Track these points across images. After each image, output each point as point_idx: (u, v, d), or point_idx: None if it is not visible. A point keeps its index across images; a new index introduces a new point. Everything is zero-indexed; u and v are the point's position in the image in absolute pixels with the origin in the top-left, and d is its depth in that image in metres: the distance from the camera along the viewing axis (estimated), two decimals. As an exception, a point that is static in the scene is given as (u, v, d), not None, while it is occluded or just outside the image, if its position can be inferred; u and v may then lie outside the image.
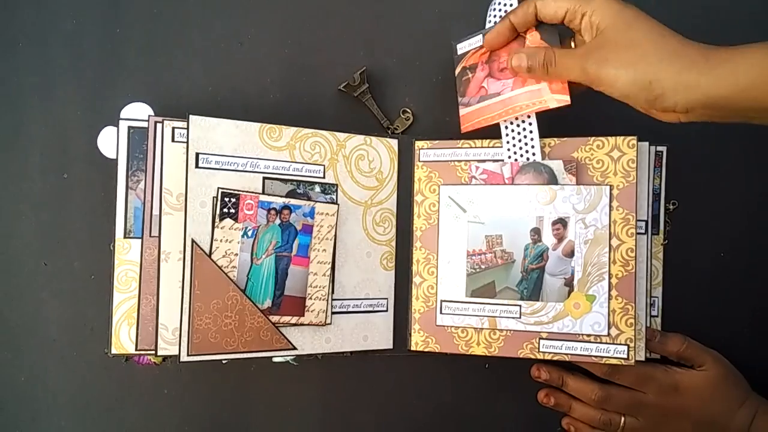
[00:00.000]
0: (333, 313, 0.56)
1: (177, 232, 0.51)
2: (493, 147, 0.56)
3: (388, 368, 0.61)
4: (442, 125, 0.60)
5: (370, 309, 0.58)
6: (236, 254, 0.52)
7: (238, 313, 0.52)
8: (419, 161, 0.58)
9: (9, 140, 0.58)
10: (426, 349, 0.57)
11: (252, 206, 0.53)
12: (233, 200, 0.52)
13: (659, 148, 0.58)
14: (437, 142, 0.58)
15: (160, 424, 0.59)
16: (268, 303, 0.53)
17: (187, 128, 0.51)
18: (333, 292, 0.56)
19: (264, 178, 0.54)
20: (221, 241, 0.52)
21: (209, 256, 0.51)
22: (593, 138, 0.54)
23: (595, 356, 0.53)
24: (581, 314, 0.54)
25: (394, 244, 0.59)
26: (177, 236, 0.51)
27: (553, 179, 0.55)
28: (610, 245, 0.53)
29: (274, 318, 0.53)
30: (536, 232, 0.55)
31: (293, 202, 0.54)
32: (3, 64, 0.58)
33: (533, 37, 0.53)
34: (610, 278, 0.53)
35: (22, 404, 0.58)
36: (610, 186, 0.54)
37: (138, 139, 0.54)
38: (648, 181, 0.55)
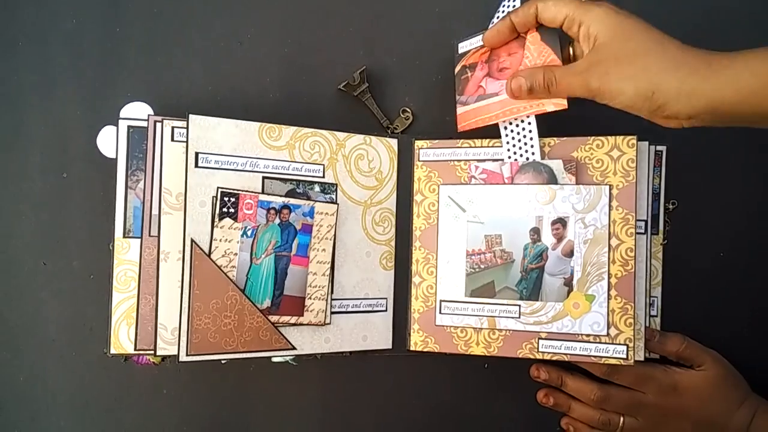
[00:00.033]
0: (332, 312, 0.56)
1: (176, 231, 0.51)
2: (492, 147, 0.56)
3: (387, 368, 0.61)
4: (441, 125, 0.60)
5: (370, 309, 0.58)
6: (235, 254, 0.52)
7: (237, 313, 0.52)
8: (419, 161, 0.58)
9: (9, 140, 0.58)
10: (425, 349, 0.57)
11: (251, 206, 0.53)
12: (233, 200, 0.52)
13: (659, 148, 0.58)
14: (437, 141, 0.58)
15: (159, 424, 0.59)
16: (267, 303, 0.53)
17: (187, 128, 0.51)
18: (332, 291, 0.56)
19: (263, 178, 0.54)
20: (220, 240, 0.52)
21: (208, 255, 0.51)
22: (593, 137, 0.54)
23: (595, 356, 0.53)
24: (580, 314, 0.54)
25: (393, 243, 0.59)
26: (176, 236, 0.51)
27: (552, 179, 0.55)
28: (609, 245, 0.53)
29: (274, 318, 0.53)
30: (536, 232, 0.55)
31: (293, 201, 0.54)
32: (3, 63, 0.58)
33: (533, 38, 0.53)
34: (609, 278, 0.53)
35: (21, 404, 0.58)
36: (610, 185, 0.54)
37: (137, 138, 0.54)
38: (647, 181, 0.55)
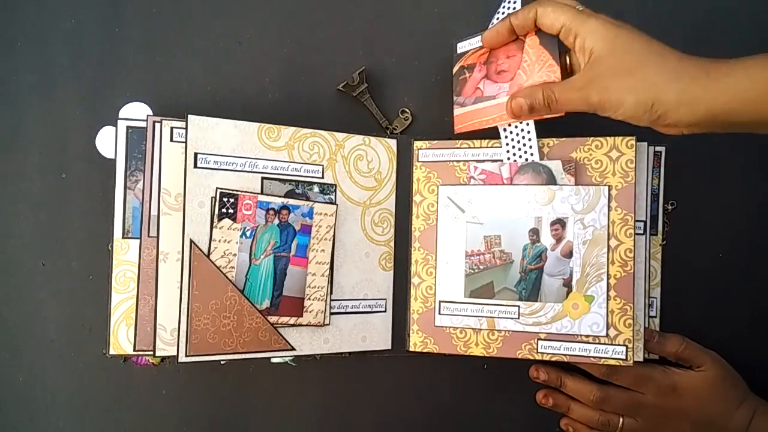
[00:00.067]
0: (331, 313, 0.56)
1: (175, 232, 0.51)
2: (491, 147, 0.56)
3: (386, 369, 0.61)
4: (440, 125, 0.60)
5: (369, 309, 0.57)
6: (235, 254, 0.52)
7: (236, 314, 0.52)
8: (418, 161, 0.58)
9: (8, 140, 0.58)
10: (424, 350, 0.57)
11: (250, 206, 0.53)
12: (232, 200, 0.52)
13: (658, 149, 0.58)
14: (436, 142, 0.58)
15: (159, 424, 0.59)
16: (266, 303, 0.53)
17: (186, 128, 0.51)
18: (331, 292, 0.56)
19: (262, 178, 0.54)
20: (220, 241, 0.52)
21: (207, 256, 0.51)
22: (592, 138, 0.54)
23: (594, 357, 0.53)
24: (580, 315, 0.54)
25: (392, 244, 0.59)
26: (175, 236, 0.51)
27: (551, 179, 0.55)
28: (608, 246, 0.53)
29: (273, 318, 0.53)
30: (535, 233, 0.55)
31: (292, 202, 0.54)
32: (2, 63, 0.58)
33: (532, 42, 0.53)
34: (608, 279, 0.53)
35: (20, 404, 0.58)
36: (609, 186, 0.53)
37: (136, 138, 0.54)
38: (647, 182, 0.55)
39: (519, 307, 0.55)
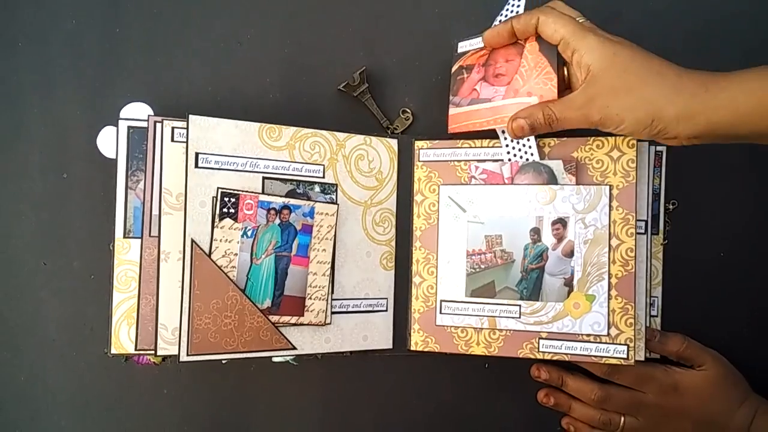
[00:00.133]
0: (333, 312, 0.56)
1: (176, 231, 0.51)
2: (492, 147, 0.56)
3: (387, 368, 0.61)
4: (441, 125, 0.60)
5: (370, 309, 0.58)
6: (236, 254, 0.52)
7: (237, 313, 0.52)
8: (419, 161, 0.58)
9: (9, 140, 0.58)
10: (426, 349, 0.57)
11: (252, 206, 0.53)
12: (233, 200, 0.52)
13: (659, 148, 0.57)
14: (437, 141, 0.58)
15: (160, 424, 0.59)
16: (267, 303, 0.53)
17: (187, 128, 0.51)
18: (333, 292, 0.56)
19: (263, 178, 0.54)
20: (221, 240, 0.52)
21: (209, 255, 0.51)
22: (593, 138, 0.54)
23: (595, 356, 0.53)
24: (581, 314, 0.54)
25: (393, 243, 0.59)
26: (176, 236, 0.51)
27: (552, 179, 0.55)
28: (609, 245, 0.53)
29: (274, 318, 0.53)
30: (536, 232, 0.55)
31: (293, 201, 0.54)
32: (3, 63, 0.58)
33: (532, 48, 0.53)
34: (609, 278, 0.53)
35: (21, 404, 0.58)
36: (610, 186, 0.54)
37: (137, 138, 0.54)
38: (648, 181, 0.55)
39: (520, 306, 0.55)
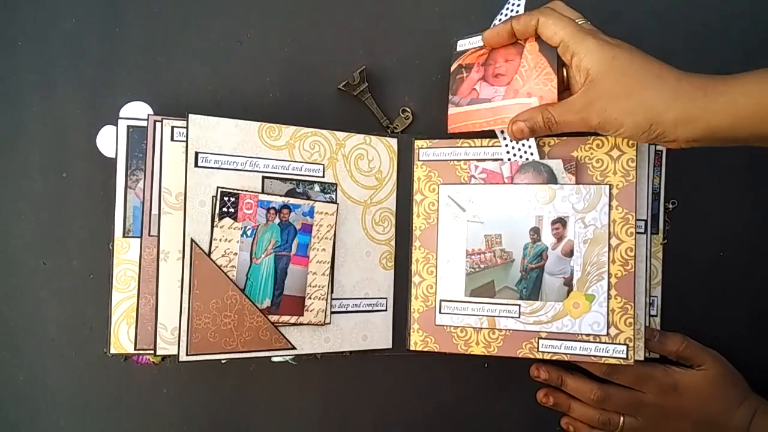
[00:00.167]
0: (332, 312, 0.56)
1: (176, 231, 0.51)
2: (492, 146, 0.56)
3: (387, 368, 0.61)
4: (441, 124, 0.60)
5: (370, 308, 0.57)
6: (235, 253, 0.52)
7: (237, 313, 0.52)
8: (419, 160, 0.58)
9: (8, 139, 0.58)
10: (425, 349, 0.57)
11: (251, 205, 0.53)
12: (232, 199, 0.52)
13: (659, 148, 0.57)
14: (436, 141, 0.58)
15: (159, 423, 0.59)
16: (267, 302, 0.53)
17: (187, 127, 0.51)
18: (332, 291, 0.56)
19: (263, 178, 0.54)
20: (220, 240, 0.52)
21: (208, 255, 0.51)
22: (593, 137, 0.54)
23: (595, 356, 0.53)
24: (580, 314, 0.54)
25: (393, 243, 0.59)
26: (176, 235, 0.51)
27: (552, 178, 0.55)
28: (609, 245, 0.53)
29: (274, 317, 0.53)
30: (535, 232, 0.55)
31: (292, 201, 0.54)
32: (3, 63, 0.58)
33: (532, 48, 0.53)
34: (609, 278, 0.53)
35: (21, 403, 0.58)
36: (610, 185, 0.54)
37: (137, 138, 0.54)
38: (647, 181, 0.55)
39: (520, 306, 0.55)
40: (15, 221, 0.58)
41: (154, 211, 0.53)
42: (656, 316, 0.58)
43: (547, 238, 0.55)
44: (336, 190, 0.56)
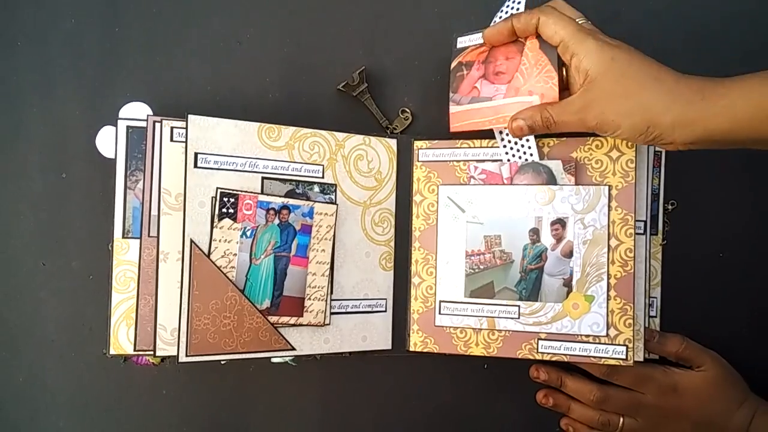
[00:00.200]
0: (332, 313, 0.56)
1: (175, 232, 0.51)
2: (491, 147, 0.56)
3: (386, 369, 0.61)
4: (441, 125, 0.60)
5: (369, 309, 0.57)
6: (235, 254, 0.52)
7: (236, 314, 0.52)
8: (418, 161, 0.58)
9: (8, 139, 0.58)
10: (425, 350, 0.57)
11: (251, 206, 0.53)
12: (232, 200, 0.52)
13: (658, 149, 0.57)
14: (436, 142, 0.58)
15: (159, 424, 0.59)
16: (266, 303, 0.53)
17: (186, 128, 0.51)
18: (332, 292, 0.56)
19: (263, 178, 0.54)
20: (220, 241, 0.52)
21: (208, 256, 0.51)
22: (592, 138, 0.54)
23: (594, 357, 0.53)
24: (580, 315, 0.54)
25: (392, 244, 0.59)
26: (175, 236, 0.51)
27: (552, 179, 0.55)
28: (608, 245, 0.53)
29: (273, 318, 0.53)
30: (535, 233, 0.55)
31: (292, 202, 0.54)
32: (2, 63, 0.58)
33: (532, 46, 0.52)
34: (608, 278, 0.53)
35: (20, 404, 0.58)
36: (609, 186, 0.53)
37: (137, 138, 0.54)
38: (647, 182, 0.55)
39: (519, 306, 0.55)
40: (14, 222, 0.58)
41: (154, 212, 0.53)
42: (656, 316, 0.58)
43: (547, 239, 0.55)
44: (335, 190, 0.56)
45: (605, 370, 0.56)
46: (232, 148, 0.53)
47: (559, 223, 0.54)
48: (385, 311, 0.58)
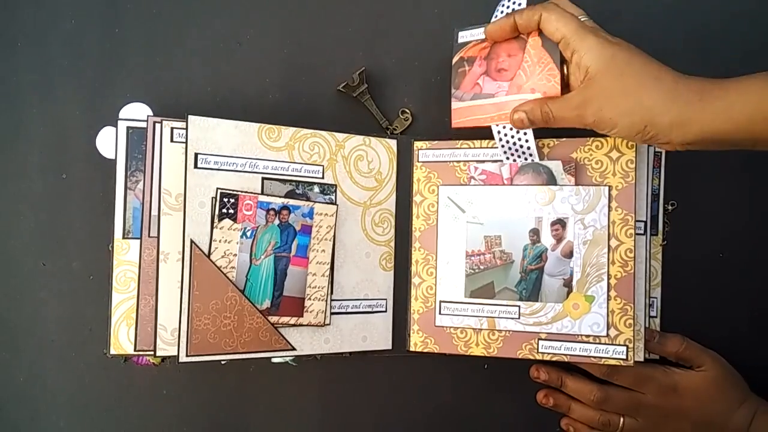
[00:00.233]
0: (332, 313, 0.56)
1: (176, 232, 0.51)
2: (492, 147, 0.56)
3: (387, 369, 0.61)
4: (441, 126, 0.60)
5: (369, 309, 0.58)
6: (235, 255, 0.52)
7: (237, 314, 0.52)
8: (418, 162, 0.58)
9: (8, 140, 0.58)
10: (425, 350, 0.57)
11: (251, 206, 0.53)
12: (232, 200, 0.52)
13: (658, 149, 0.57)
14: (436, 142, 0.58)
15: (159, 424, 0.59)
16: (267, 303, 0.53)
17: (186, 128, 0.51)
18: (332, 292, 0.56)
19: (263, 179, 0.54)
20: (220, 241, 0.52)
21: (208, 256, 0.51)
22: (592, 138, 0.54)
23: (594, 357, 0.53)
24: (580, 315, 0.54)
25: (393, 244, 0.59)
26: (176, 237, 0.51)
27: (551, 180, 0.55)
28: (609, 246, 0.53)
29: (273, 318, 0.53)
30: (535, 233, 0.55)
31: (292, 202, 0.54)
32: (2, 63, 0.58)
33: (535, 42, 0.52)
34: (609, 279, 0.53)
35: (21, 404, 0.58)
36: (609, 186, 0.53)
37: (137, 139, 0.54)
38: (647, 182, 0.55)
39: (519, 307, 0.55)
40: (15, 222, 0.58)
41: (154, 212, 0.53)
42: (656, 317, 0.58)
43: (547, 239, 0.55)
44: (335, 191, 0.56)
45: (605, 370, 0.56)
46: (233, 148, 0.53)
47: (560, 224, 0.54)
48: (386, 311, 0.58)
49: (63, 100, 0.58)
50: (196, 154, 0.52)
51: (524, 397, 0.61)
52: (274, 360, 0.55)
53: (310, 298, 0.55)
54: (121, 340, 0.53)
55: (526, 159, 0.55)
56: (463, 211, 0.57)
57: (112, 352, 0.53)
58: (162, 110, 0.58)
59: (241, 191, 0.53)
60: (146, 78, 0.59)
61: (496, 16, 0.54)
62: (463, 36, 0.56)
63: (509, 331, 0.55)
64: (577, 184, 0.54)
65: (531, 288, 0.55)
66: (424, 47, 0.61)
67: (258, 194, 0.53)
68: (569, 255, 0.54)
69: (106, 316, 0.53)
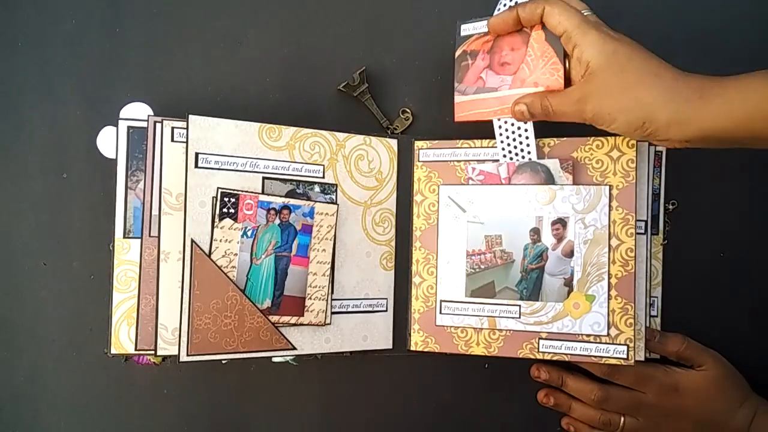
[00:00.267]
0: (332, 313, 0.56)
1: (176, 232, 0.51)
2: (492, 147, 0.56)
3: (387, 368, 0.61)
4: (441, 125, 0.60)
5: (370, 309, 0.58)
6: (236, 254, 0.52)
7: (237, 313, 0.52)
8: (419, 161, 0.58)
9: (9, 140, 0.58)
10: (425, 349, 0.57)
11: (251, 206, 0.53)
12: (233, 200, 0.52)
13: (659, 148, 0.57)
14: (437, 142, 0.58)
15: (160, 424, 0.59)
16: (267, 303, 0.53)
17: (187, 128, 0.51)
18: (332, 292, 0.56)
19: (263, 178, 0.54)
20: (221, 241, 0.52)
21: (209, 256, 0.51)
22: (593, 138, 0.54)
23: (595, 356, 0.53)
24: (581, 314, 0.54)
25: (393, 244, 0.59)
26: (176, 236, 0.51)
27: (550, 178, 0.55)
28: (609, 245, 0.53)
29: (274, 318, 0.53)
30: (536, 232, 0.55)
31: (293, 202, 0.54)
32: (3, 63, 0.58)
33: (538, 36, 0.52)
34: (609, 278, 0.53)
35: (21, 404, 0.58)
36: (610, 186, 0.53)
37: (137, 138, 0.54)
38: (647, 181, 0.55)
39: (520, 306, 0.55)
40: (15, 222, 0.58)
41: (155, 212, 0.53)
42: (656, 316, 0.58)
43: (548, 238, 0.55)
44: (336, 190, 0.56)
45: (606, 370, 0.56)
46: (233, 148, 0.53)
47: (560, 223, 0.54)
48: (386, 311, 0.58)
49: (63, 100, 0.58)
50: (196, 154, 0.52)
51: (525, 396, 0.61)
52: (275, 359, 0.55)
53: (310, 298, 0.55)
54: (122, 340, 0.53)
55: (523, 157, 0.55)
56: (463, 211, 0.57)
57: (113, 351, 0.53)
58: (162, 110, 0.58)
59: (242, 191, 0.53)
60: (147, 78, 0.59)
61: (500, 9, 0.54)
62: (466, 29, 0.56)
63: (510, 330, 0.55)
64: (575, 181, 0.54)
65: (531, 287, 0.55)
66: (424, 47, 0.61)
67: (259, 194, 0.53)
68: (570, 254, 0.54)
69: (107, 315, 0.53)
